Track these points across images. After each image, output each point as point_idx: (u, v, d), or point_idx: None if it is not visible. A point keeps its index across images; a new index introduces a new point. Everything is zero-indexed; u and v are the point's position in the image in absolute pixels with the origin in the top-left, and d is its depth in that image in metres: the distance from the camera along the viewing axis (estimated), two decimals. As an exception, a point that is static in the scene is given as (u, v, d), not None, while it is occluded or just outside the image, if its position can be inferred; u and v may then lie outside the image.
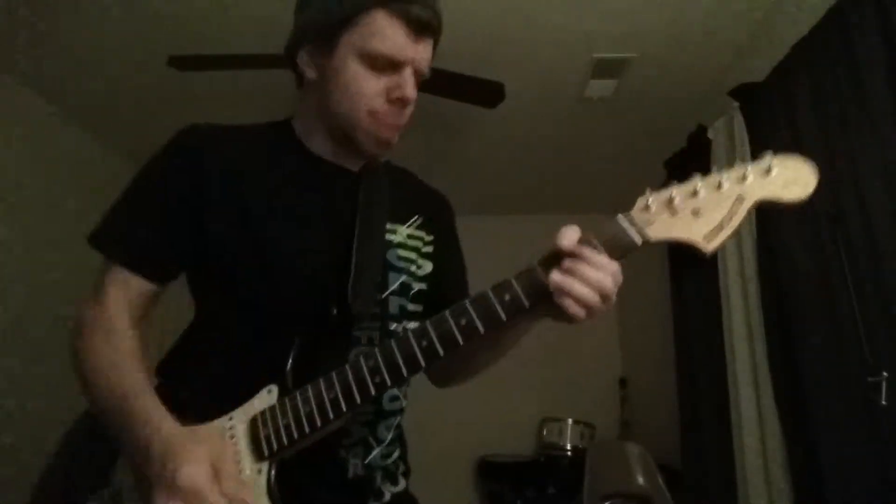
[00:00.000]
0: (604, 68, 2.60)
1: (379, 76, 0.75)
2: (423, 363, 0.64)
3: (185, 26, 2.30)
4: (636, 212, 0.65)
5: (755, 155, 2.27)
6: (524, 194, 3.99)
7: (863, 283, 1.63)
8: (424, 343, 0.63)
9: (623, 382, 4.02)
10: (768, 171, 0.63)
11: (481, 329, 0.63)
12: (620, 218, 0.65)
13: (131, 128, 3.16)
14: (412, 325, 0.80)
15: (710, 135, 2.55)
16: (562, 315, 0.64)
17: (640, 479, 2.45)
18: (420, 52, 0.75)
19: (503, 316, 0.63)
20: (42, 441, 2.79)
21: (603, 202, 4.44)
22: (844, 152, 1.76)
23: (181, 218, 0.75)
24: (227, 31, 2.32)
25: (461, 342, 0.63)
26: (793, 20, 2.06)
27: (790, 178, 0.62)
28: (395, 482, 0.82)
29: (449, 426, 3.64)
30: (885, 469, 1.58)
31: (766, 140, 2.20)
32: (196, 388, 0.71)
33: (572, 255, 0.62)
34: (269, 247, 0.74)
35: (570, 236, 0.63)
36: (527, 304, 0.63)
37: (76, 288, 3.12)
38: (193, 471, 0.57)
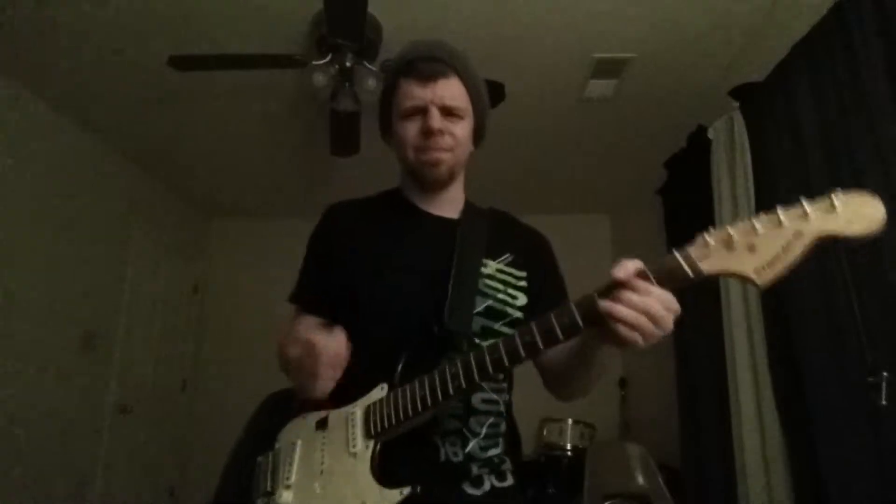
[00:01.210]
0: (604, 68, 2.60)
1: (413, 122, 0.99)
2: (491, 371, 0.80)
3: (185, 26, 2.30)
4: (694, 247, 0.70)
5: (755, 155, 2.27)
6: (524, 194, 4.00)
7: (863, 283, 1.63)
8: (496, 356, 0.79)
9: (623, 382, 4.02)
10: (832, 207, 0.64)
11: (541, 345, 0.76)
12: (676, 253, 0.71)
13: (131, 128, 3.16)
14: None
15: (710, 135, 2.55)
16: (619, 340, 0.73)
17: (640, 479, 2.46)
18: (437, 92, 0.97)
19: (560, 335, 0.75)
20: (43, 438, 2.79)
21: (603, 202, 4.47)
22: (844, 152, 1.76)
23: (322, 275, 1.05)
24: (227, 31, 2.32)
25: (524, 356, 0.78)
26: (793, 20, 2.06)
27: (855, 214, 0.63)
28: (500, 477, 0.96)
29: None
30: (885, 469, 1.58)
31: (766, 140, 2.20)
32: (340, 385, 0.93)
33: (625, 285, 0.71)
34: (384, 289, 0.97)
35: (625, 268, 0.72)
36: (581, 325, 0.74)
37: (76, 284, 3.13)
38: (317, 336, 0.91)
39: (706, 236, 0.69)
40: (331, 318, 1.05)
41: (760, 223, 0.66)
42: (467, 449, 0.92)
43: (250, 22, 2.28)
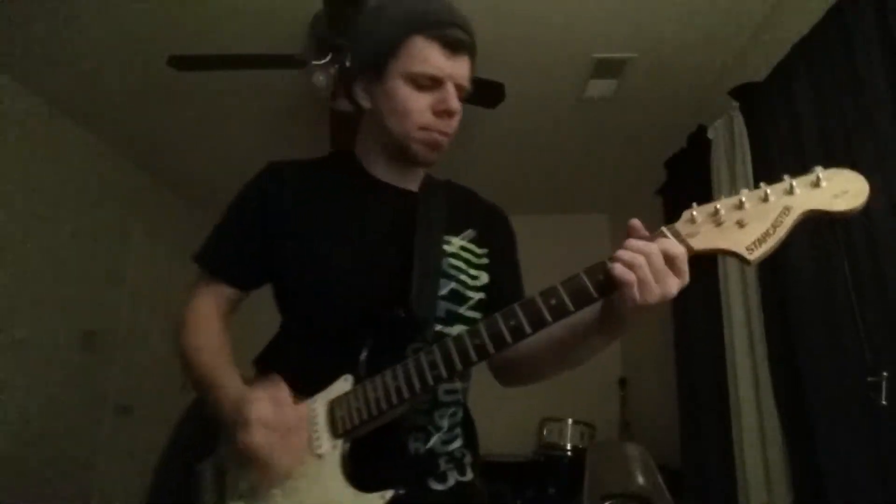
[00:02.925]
0: (604, 68, 2.60)
1: (424, 93, 0.86)
2: (475, 358, 0.73)
3: (185, 26, 2.30)
4: (681, 223, 0.68)
5: (755, 155, 2.27)
6: (524, 194, 4.00)
7: (863, 283, 1.63)
8: (477, 341, 0.73)
9: (623, 382, 4.02)
10: (816, 183, 0.63)
11: (528, 329, 0.71)
12: (664, 229, 0.69)
13: (131, 128, 3.17)
14: (462, 328, 0.87)
15: (710, 135, 2.55)
16: (614, 315, 0.71)
17: (640, 479, 2.46)
18: (458, 69, 0.86)
19: (549, 317, 0.70)
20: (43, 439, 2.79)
21: (603, 202, 4.47)
22: (844, 152, 1.76)
23: (256, 239, 0.91)
24: (227, 31, 2.32)
25: (510, 341, 0.72)
26: (793, 20, 2.06)
27: (840, 189, 0.62)
28: (462, 471, 0.90)
29: (449, 426, 3.63)
30: (885, 469, 1.58)
31: (766, 140, 2.20)
32: (286, 379, 0.82)
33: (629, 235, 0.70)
34: (341, 267, 0.87)
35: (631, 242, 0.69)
36: (571, 307, 0.70)
37: (76, 284, 3.13)
38: (257, 406, 0.73)
39: (693, 212, 0.67)
40: (248, 290, 0.96)
41: (746, 198, 0.66)
42: (429, 444, 0.86)
43: (250, 22, 2.28)
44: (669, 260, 0.66)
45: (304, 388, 0.81)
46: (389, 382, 0.76)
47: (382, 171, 0.95)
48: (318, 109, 2.78)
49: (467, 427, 0.95)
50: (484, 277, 0.95)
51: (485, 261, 0.96)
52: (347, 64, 2.28)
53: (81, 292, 3.13)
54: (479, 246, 0.97)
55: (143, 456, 3.58)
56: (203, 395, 0.84)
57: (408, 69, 0.84)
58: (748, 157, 2.25)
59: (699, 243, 0.66)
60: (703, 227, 0.66)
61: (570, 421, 3.52)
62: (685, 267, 0.67)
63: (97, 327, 3.26)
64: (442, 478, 0.87)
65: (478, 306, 0.94)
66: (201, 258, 0.96)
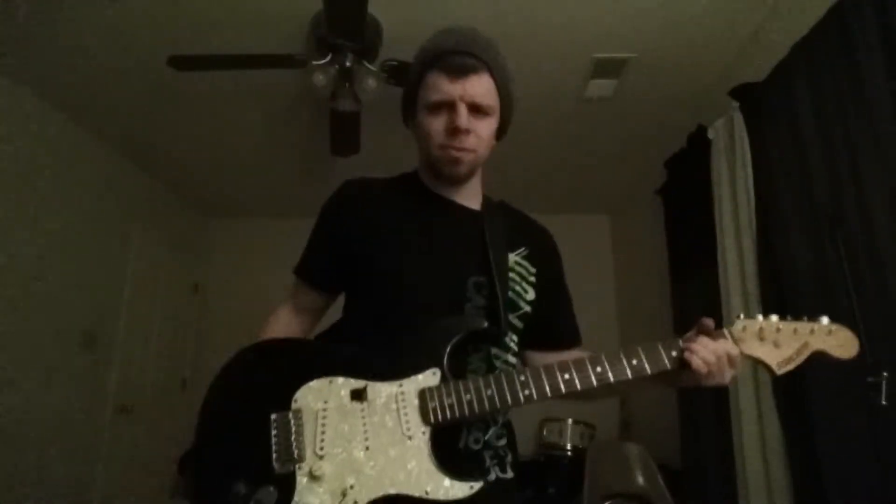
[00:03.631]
0: (604, 68, 2.60)
1: (439, 116, 0.96)
2: (560, 392, 0.86)
3: (185, 26, 2.30)
4: (736, 330, 0.91)
5: (755, 155, 2.26)
6: (524, 194, 3.99)
7: (863, 283, 1.63)
8: (567, 376, 0.86)
9: (623, 382, 4.01)
10: (829, 332, 0.90)
11: (611, 379, 0.86)
12: (726, 332, 0.91)
13: (131, 128, 3.17)
14: (511, 334, 1.00)
15: (710, 135, 2.55)
16: (674, 380, 0.91)
17: (640, 479, 2.46)
18: (467, 89, 0.95)
19: (629, 374, 0.86)
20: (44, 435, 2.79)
21: (603, 202, 4.47)
22: (844, 152, 1.76)
23: (331, 248, 1.04)
24: (227, 31, 2.32)
25: (596, 385, 0.86)
26: (793, 20, 2.06)
27: (841, 343, 0.90)
28: (503, 468, 0.96)
29: (449, 426, 3.63)
30: (885, 469, 1.58)
31: (766, 140, 2.20)
32: (353, 352, 0.92)
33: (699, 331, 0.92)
34: (417, 273, 0.96)
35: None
36: (648, 371, 0.88)
37: (76, 285, 3.13)
38: None
39: (744, 323, 0.92)
40: (334, 294, 1.08)
41: (783, 327, 0.91)
42: (486, 436, 0.94)
43: (250, 22, 2.28)
44: (730, 359, 0.87)
45: (378, 369, 0.88)
46: (483, 389, 0.85)
47: (441, 189, 1.06)
48: (318, 109, 2.78)
49: (510, 427, 1.03)
50: (532, 293, 1.03)
51: (533, 279, 1.05)
52: (348, 64, 2.28)
53: (81, 292, 3.13)
54: (531, 264, 1.06)
55: (143, 456, 3.59)
56: None
57: (425, 101, 0.97)
58: (748, 157, 2.25)
59: (746, 349, 0.90)
60: (750, 339, 0.91)
61: (570, 421, 3.52)
62: (739, 364, 0.88)
63: (97, 327, 3.26)
64: (485, 472, 0.93)
65: (524, 318, 1.02)
66: (298, 270, 1.10)
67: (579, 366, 0.86)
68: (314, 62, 2.28)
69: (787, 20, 2.13)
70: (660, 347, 0.89)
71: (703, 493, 2.65)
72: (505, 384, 0.85)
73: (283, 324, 1.07)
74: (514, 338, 1.02)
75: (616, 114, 3.02)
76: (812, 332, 0.90)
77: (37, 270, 2.82)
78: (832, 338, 0.90)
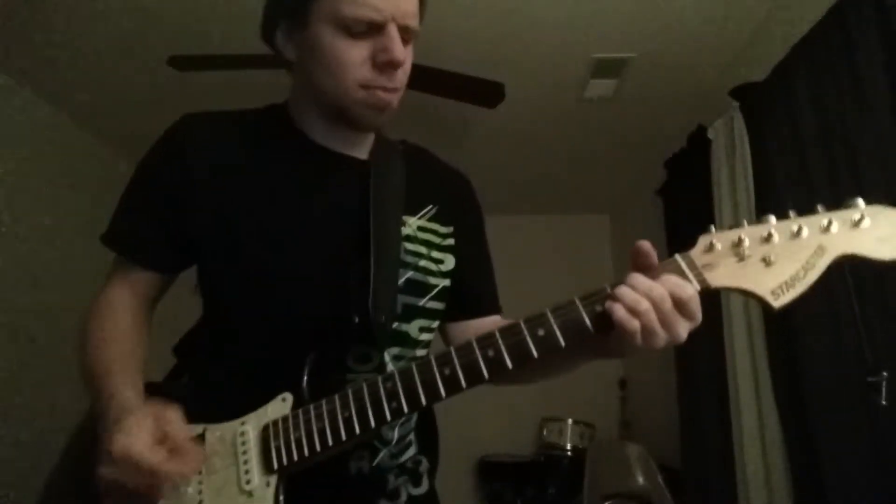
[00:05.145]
0: (604, 68, 2.59)
1: (360, 42, 0.69)
2: (443, 394, 0.60)
3: (185, 26, 2.29)
4: (697, 252, 0.59)
5: (755, 155, 2.25)
6: (524, 194, 3.99)
7: (863, 282, 1.62)
8: (447, 371, 0.60)
9: (623, 382, 4.01)
10: (858, 222, 0.55)
11: (509, 365, 0.59)
12: (679, 257, 0.60)
13: (131, 128, 3.16)
14: (422, 323, 0.79)
15: (710, 135, 2.55)
16: (611, 349, 0.61)
17: (640, 479, 2.45)
18: (400, 5, 0.69)
19: (534, 352, 0.59)
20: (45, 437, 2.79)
21: (603, 202, 4.46)
22: (844, 152, 1.76)
23: (169, 213, 0.75)
24: (227, 31, 2.32)
25: (486, 377, 0.60)
26: (793, 20, 2.06)
27: (886, 234, 0.54)
28: (416, 482, 0.79)
29: (449, 426, 3.61)
30: (885, 469, 1.58)
31: (766, 140, 2.20)
32: (209, 381, 0.72)
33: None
34: (280, 259, 0.71)
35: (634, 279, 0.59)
36: (562, 342, 0.59)
37: (75, 285, 3.13)
38: (127, 440, 0.57)
39: (713, 239, 0.58)
40: (172, 272, 0.81)
41: (776, 230, 0.57)
42: (375, 461, 0.74)
43: (250, 22, 2.27)
44: (680, 304, 0.56)
45: (232, 405, 0.67)
46: (339, 412, 0.62)
47: (322, 136, 0.79)
48: (318, 109, 2.78)
49: (423, 431, 0.83)
50: (450, 261, 0.81)
51: (450, 241, 0.82)
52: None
53: (81, 292, 3.12)
54: (443, 224, 0.83)
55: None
56: (92, 400, 0.69)
57: (336, 11, 0.68)
58: (748, 157, 2.25)
59: (718, 279, 0.57)
60: (724, 260, 0.57)
61: (570, 421, 3.52)
62: (697, 309, 0.57)
63: (97, 327, 3.26)
64: (393, 495, 0.76)
65: (441, 295, 0.80)
66: (110, 239, 0.79)
67: (465, 354, 0.60)
68: (314, 62, 2.28)
69: (787, 20, 2.13)
70: (576, 301, 0.60)
71: (703, 493, 2.64)
72: (367, 400, 0.62)
73: (123, 340, 0.75)
74: (430, 325, 0.79)
75: (616, 114, 3.02)
76: (828, 227, 0.55)
77: (36, 271, 2.81)
78: (868, 229, 0.54)
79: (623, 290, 0.57)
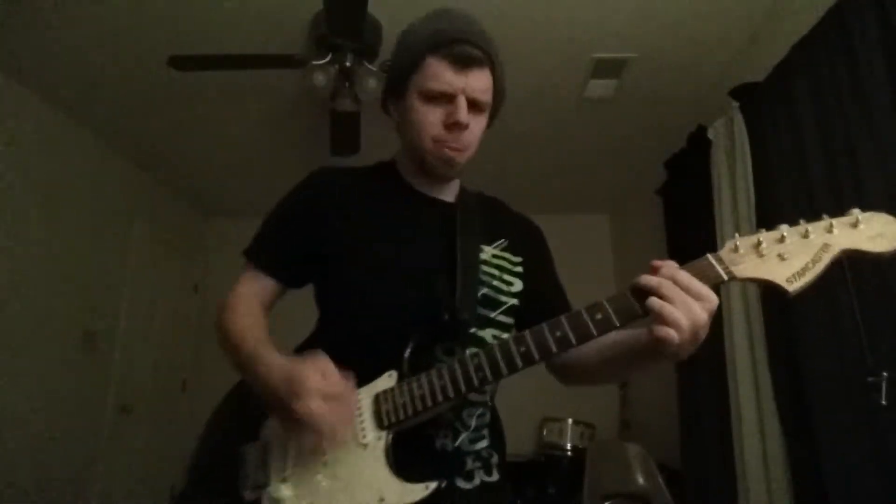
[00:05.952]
0: (604, 68, 2.60)
1: (437, 108, 0.91)
2: (520, 364, 0.77)
3: (185, 26, 2.30)
4: (725, 252, 0.72)
5: (755, 155, 2.26)
6: (524, 194, 3.99)
7: (863, 282, 1.63)
8: (523, 349, 0.77)
9: (623, 383, 4.02)
10: (855, 224, 0.69)
11: (573, 340, 0.74)
12: (709, 256, 0.72)
13: (131, 128, 3.17)
14: (494, 332, 0.95)
15: (710, 135, 2.55)
16: (656, 322, 0.72)
17: (640, 479, 2.46)
18: (469, 82, 0.90)
19: (594, 331, 0.74)
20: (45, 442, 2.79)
21: (603, 202, 4.47)
22: (844, 152, 1.76)
23: (301, 238, 0.97)
24: (227, 31, 2.32)
25: (555, 351, 0.76)
26: (793, 20, 2.06)
27: (877, 232, 0.67)
28: (489, 471, 0.93)
29: (449, 426, 3.63)
30: (885, 469, 1.58)
31: (765, 140, 2.20)
32: None
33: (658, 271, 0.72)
34: (388, 272, 0.92)
35: (660, 260, 0.73)
36: (617, 323, 0.73)
37: (75, 284, 3.13)
38: (311, 375, 0.75)
39: (736, 241, 0.71)
40: (290, 286, 1.01)
41: (787, 233, 0.70)
42: (457, 442, 0.89)
43: (250, 22, 2.28)
44: (690, 289, 0.70)
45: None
46: (435, 381, 0.80)
47: (418, 183, 1.02)
48: (318, 109, 2.78)
49: (495, 428, 0.98)
50: (518, 284, 1.00)
51: (519, 269, 1.01)
52: (348, 64, 2.28)
53: (81, 292, 3.13)
54: (514, 254, 1.02)
55: (143, 456, 3.59)
56: (247, 374, 0.86)
57: (422, 86, 0.91)
58: (748, 157, 2.25)
59: (742, 272, 0.70)
60: (747, 257, 0.70)
61: (570, 421, 3.53)
62: (709, 299, 0.70)
63: (97, 327, 3.26)
64: (469, 476, 0.90)
65: (510, 311, 0.98)
66: (253, 253, 1.01)
67: (537, 333, 0.77)
68: (314, 62, 2.28)
69: (787, 20, 2.14)
70: (627, 292, 0.74)
71: (703, 493, 2.65)
72: (459, 371, 0.79)
73: (261, 325, 0.96)
74: (501, 335, 0.96)
75: (616, 114, 3.02)
76: (831, 229, 0.69)
77: (36, 270, 2.82)
78: (862, 229, 0.68)
79: (661, 282, 0.71)
